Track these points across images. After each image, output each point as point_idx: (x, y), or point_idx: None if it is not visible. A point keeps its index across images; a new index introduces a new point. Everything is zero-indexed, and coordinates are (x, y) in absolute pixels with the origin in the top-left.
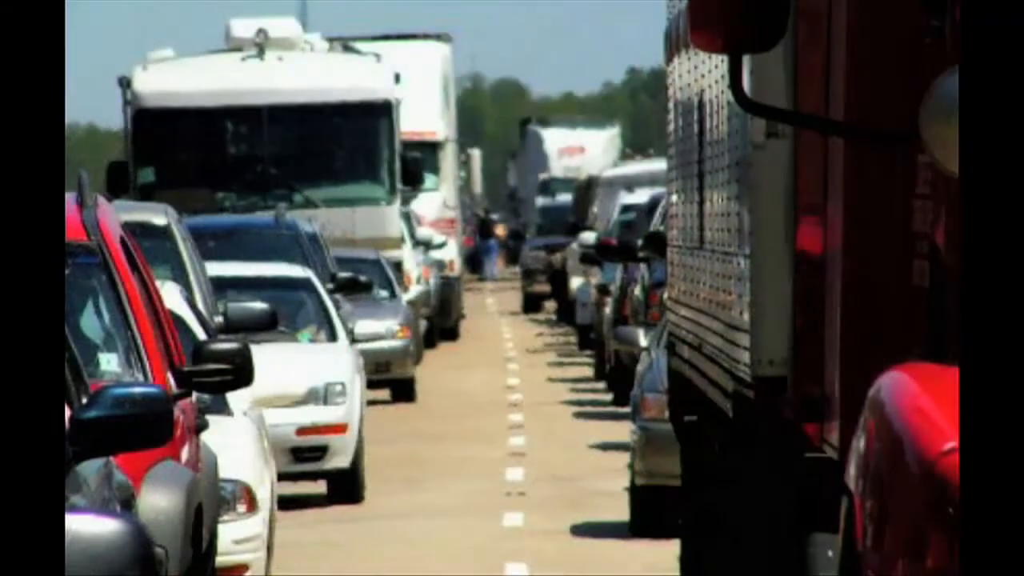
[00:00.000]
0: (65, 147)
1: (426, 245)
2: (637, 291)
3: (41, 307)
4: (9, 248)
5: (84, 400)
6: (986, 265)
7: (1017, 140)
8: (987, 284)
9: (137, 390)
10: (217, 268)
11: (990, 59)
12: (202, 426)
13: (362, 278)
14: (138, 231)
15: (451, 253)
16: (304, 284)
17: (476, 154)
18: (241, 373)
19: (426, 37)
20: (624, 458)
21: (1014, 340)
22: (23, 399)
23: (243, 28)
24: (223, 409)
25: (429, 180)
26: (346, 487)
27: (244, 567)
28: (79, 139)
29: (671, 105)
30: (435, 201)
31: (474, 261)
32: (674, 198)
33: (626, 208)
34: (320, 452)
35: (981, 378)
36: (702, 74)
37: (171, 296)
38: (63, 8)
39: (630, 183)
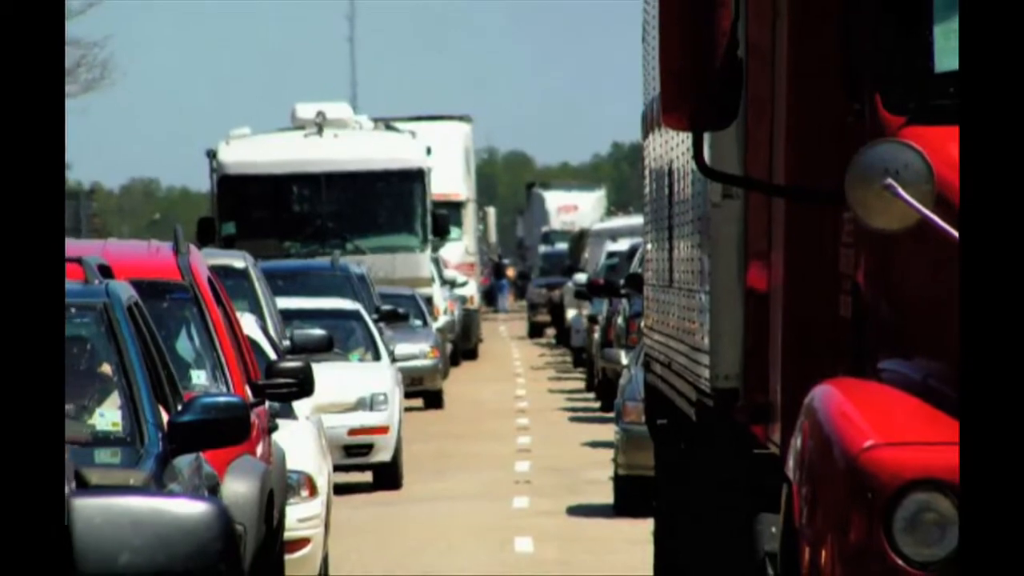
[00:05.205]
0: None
1: (451, 284)
2: (620, 320)
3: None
4: (10, 262)
5: (179, 407)
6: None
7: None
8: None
9: (221, 399)
10: (285, 302)
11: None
12: (273, 428)
13: (400, 310)
14: (222, 273)
15: (471, 290)
16: (354, 315)
17: (491, 211)
18: (304, 386)
19: (451, 118)
20: (609, 453)
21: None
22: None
23: (305, 111)
24: (290, 414)
25: (454, 232)
26: (388, 477)
27: (306, 540)
28: (175, 199)
29: (647, 172)
30: (459, 249)
31: (489, 296)
32: (649, 246)
33: (611, 254)
34: (367, 449)
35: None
36: (671, 147)
37: (248, 325)
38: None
39: (614, 234)
